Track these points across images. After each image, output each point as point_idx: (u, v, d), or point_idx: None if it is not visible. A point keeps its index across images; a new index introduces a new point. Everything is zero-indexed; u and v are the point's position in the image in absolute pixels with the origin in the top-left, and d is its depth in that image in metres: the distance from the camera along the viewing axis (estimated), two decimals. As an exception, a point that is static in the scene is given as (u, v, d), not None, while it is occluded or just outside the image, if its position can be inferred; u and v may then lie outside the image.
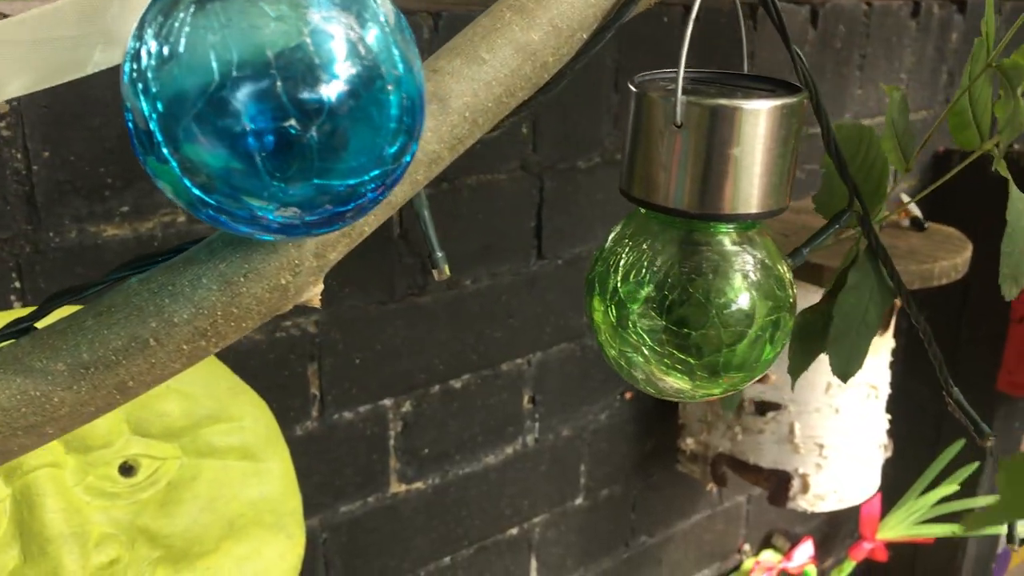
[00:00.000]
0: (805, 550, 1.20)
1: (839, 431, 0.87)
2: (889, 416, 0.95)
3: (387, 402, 0.78)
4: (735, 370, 0.36)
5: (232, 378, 0.63)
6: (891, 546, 1.38)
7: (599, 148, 0.85)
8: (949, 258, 0.82)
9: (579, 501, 0.98)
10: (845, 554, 1.31)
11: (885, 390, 0.91)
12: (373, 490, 0.80)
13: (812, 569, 1.27)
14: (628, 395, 0.97)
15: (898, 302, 0.91)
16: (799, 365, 0.46)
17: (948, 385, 0.47)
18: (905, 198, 0.90)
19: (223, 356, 0.63)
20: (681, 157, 0.32)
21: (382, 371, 0.77)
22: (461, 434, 0.84)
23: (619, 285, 0.35)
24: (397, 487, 0.82)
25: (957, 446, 1.26)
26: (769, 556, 1.20)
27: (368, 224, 0.30)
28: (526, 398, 0.89)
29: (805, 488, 0.89)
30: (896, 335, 1.21)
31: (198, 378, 0.62)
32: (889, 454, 0.94)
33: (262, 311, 0.29)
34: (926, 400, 1.30)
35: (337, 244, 0.29)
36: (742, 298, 0.34)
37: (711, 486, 0.96)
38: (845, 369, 0.44)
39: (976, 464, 1.24)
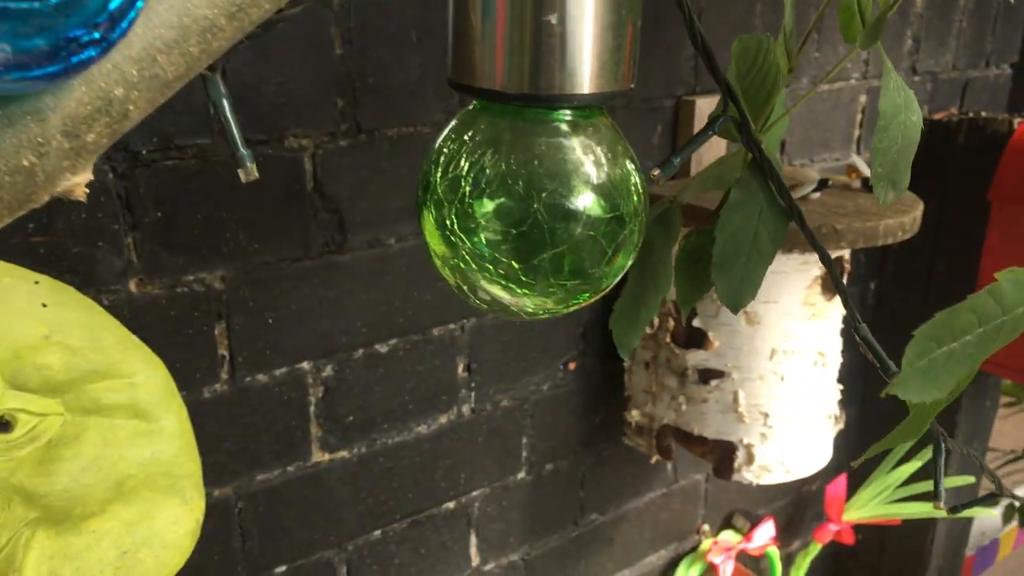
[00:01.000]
0: (766, 531, 1.16)
1: (785, 399, 0.84)
2: (841, 387, 0.92)
3: (305, 365, 0.75)
4: (569, 277, 0.32)
5: (121, 332, 0.60)
6: (859, 529, 1.35)
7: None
8: (896, 216, 0.78)
9: (522, 475, 0.94)
10: (811, 537, 1.27)
11: (835, 358, 0.87)
12: (293, 458, 0.77)
13: (774, 551, 1.23)
14: (571, 365, 0.93)
15: (847, 266, 0.87)
16: (687, 295, 0.43)
17: (856, 321, 0.44)
18: (857, 159, 0.87)
19: (115, 311, 0.59)
20: (495, 29, 0.28)
21: (298, 333, 0.73)
22: (389, 402, 0.81)
23: (439, 181, 0.32)
24: (319, 456, 0.78)
25: (927, 424, 1.22)
26: (728, 536, 1.16)
27: (133, 103, 0.26)
28: (461, 366, 0.85)
29: (750, 459, 0.85)
30: (871, 312, 1.16)
31: (82, 331, 0.58)
32: (841, 426, 0.91)
33: (4, 198, 0.26)
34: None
35: (93, 123, 0.26)
36: (571, 193, 0.31)
37: (655, 458, 0.92)
38: (734, 299, 0.41)
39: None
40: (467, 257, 0.32)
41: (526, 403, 0.92)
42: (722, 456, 0.86)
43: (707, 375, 0.85)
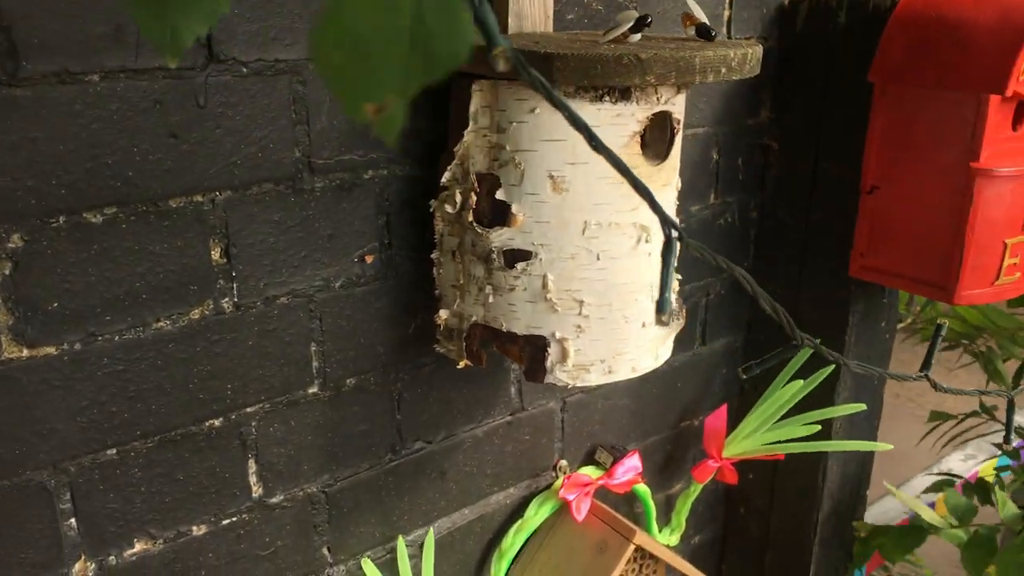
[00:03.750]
0: (630, 464, 1.03)
1: (602, 284, 0.70)
2: (679, 277, 0.78)
3: (-24, 230, 0.59)
4: None
5: None
6: (750, 469, 1.22)
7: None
8: (718, 49, 0.64)
9: (314, 391, 0.80)
10: (691, 476, 1.15)
11: (655, 236, 0.73)
12: (-28, 351, 0.61)
13: (645, 489, 1.10)
14: (368, 258, 0.79)
15: (678, 126, 0.74)
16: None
17: (730, 268, 0.31)
18: (692, 4, 0.73)
19: None
20: None
21: (-39, 186, 0.58)
22: (112, 288, 0.66)
23: None
24: (14, 350, 0.63)
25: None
26: (587, 472, 1.03)
27: None
28: (216, 250, 0.70)
29: (564, 356, 0.71)
30: (756, 225, 1.03)
31: None
32: (682, 323, 0.78)
33: None
34: (781, 294, 1.14)
35: None
36: None
37: (464, 363, 0.78)
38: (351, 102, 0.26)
39: (831, 367, 1.08)
40: None
41: (312, 302, 0.77)
42: (533, 354, 0.72)
43: (513, 257, 0.71)
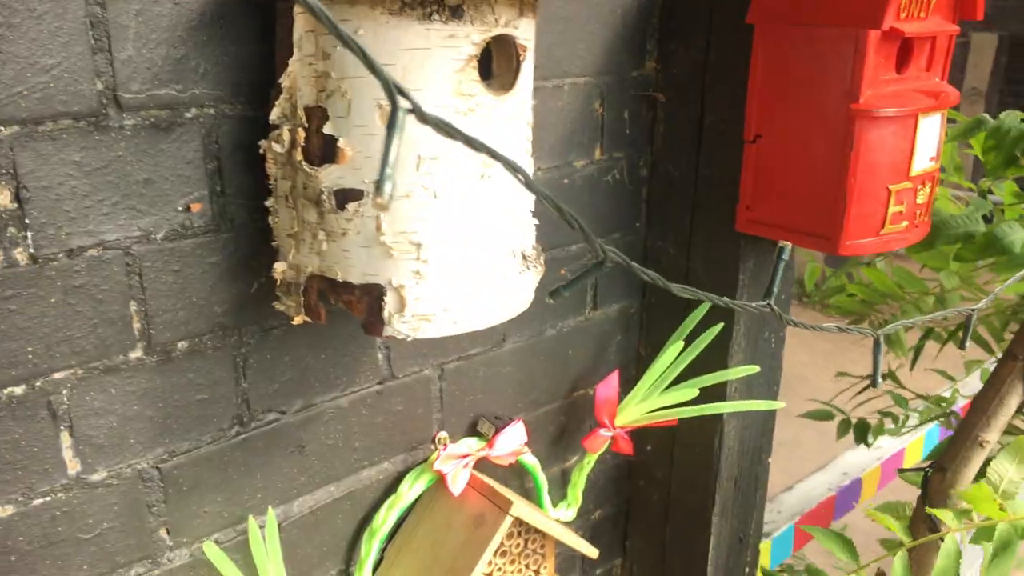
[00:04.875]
0: (514, 434, 0.97)
1: (441, 225, 0.64)
2: (537, 222, 0.73)
3: None
4: None
5: None
6: (649, 439, 1.18)
7: None
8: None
9: (138, 355, 0.72)
10: (582, 447, 1.09)
11: (502, 175, 0.67)
12: None
13: (532, 461, 1.04)
14: (195, 206, 0.71)
15: (523, 53, 0.68)
16: None
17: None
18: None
19: None
20: None
21: None
22: None
23: None
24: None
25: (706, 306, 1.05)
26: (467, 443, 0.97)
27: None
28: (5, 193, 0.62)
29: (402, 305, 0.65)
30: (646, 182, 0.96)
31: None
32: (541, 270, 0.72)
33: None
34: (673, 253, 1.10)
35: None
36: None
37: (300, 319, 0.71)
38: None
39: (720, 325, 1.04)
40: None
41: (129, 255, 0.69)
42: (370, 305, 0.66)
43: (344, 197, 0.64)
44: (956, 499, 1.03)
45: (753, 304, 0.52)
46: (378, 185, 0.29)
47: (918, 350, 1.67)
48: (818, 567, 1.28)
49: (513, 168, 0.35)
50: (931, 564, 1.01)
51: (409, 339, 0.66)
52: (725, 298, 0.50)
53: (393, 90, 0.32)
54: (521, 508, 0.90)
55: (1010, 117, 1.27)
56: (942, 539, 0.89)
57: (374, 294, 0.65)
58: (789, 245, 0.48)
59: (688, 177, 1.05)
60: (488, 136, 0.65)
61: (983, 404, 1.02)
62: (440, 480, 0.94)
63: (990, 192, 1.40)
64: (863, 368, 1.57)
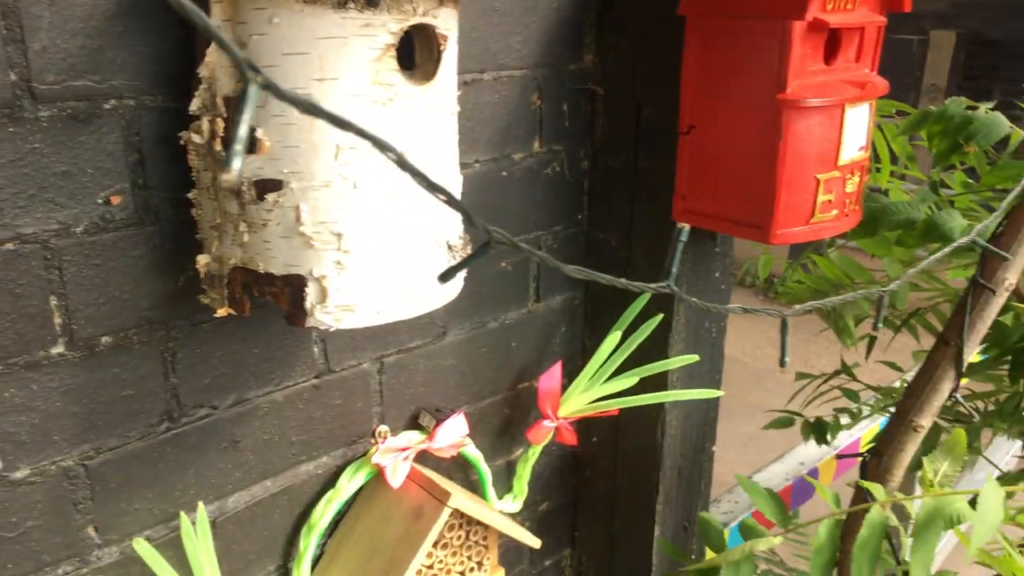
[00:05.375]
0: (455, 426, 0.97)
1: (362, 214, 0.64)
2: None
3: None
4: None
5: None
6: (592, 429, 1.18)
7: None
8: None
9: (60, 350, 0.71)
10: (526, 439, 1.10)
11: (435, 161, 0.68)
12: None
13: (475, 453, 1.05)
14: (115, 199, 0.71)
15: (444, 43, 0.68)
16: None
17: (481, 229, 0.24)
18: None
19: None
20: None
21: None
22: None
23: None
24: None
25: (645, 297, 1.06)
26: (407, 436, 0.97)
27: None
28: (-88, 186, 0.61)
29: (323, 295, 0.65)
30: (587, 175, 0.96)
31: None
32: (464, 255, 0.72)
33: None
34: (615, 245, 1.10)
35: None
36: None
37: (224, 311, 0.71)
38: None
39: (659, 317, 1.05)
40: None
41: (47, 249, 0.68)
42: (292, 296, 0.66)
43: (263, 188, 0.64)
44: (893, 483, 1.05)
45: (653, 284, 0.53)
46: (225, 159, 0.29)
47: (871, 340, 1.69)
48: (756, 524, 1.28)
49: (383, 147, 0.35)
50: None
51: (332, 329, 0.66)
52: (623, 279, 0.51)
53: (244, 66, 0.32)
54: (460, 500, 0.90)
55: (955, 104, 1.28)
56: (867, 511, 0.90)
57: (296, 285, 0.65)
58: (687, 227, 0.49)
59: (628, 169, 1.06)
60: (408, 126, 0.65)
61: (917, 390, 1.04)
62: (380, 474, 0.93)
63: (943, 184, 1.42)
64: (828, 362, 1.59)
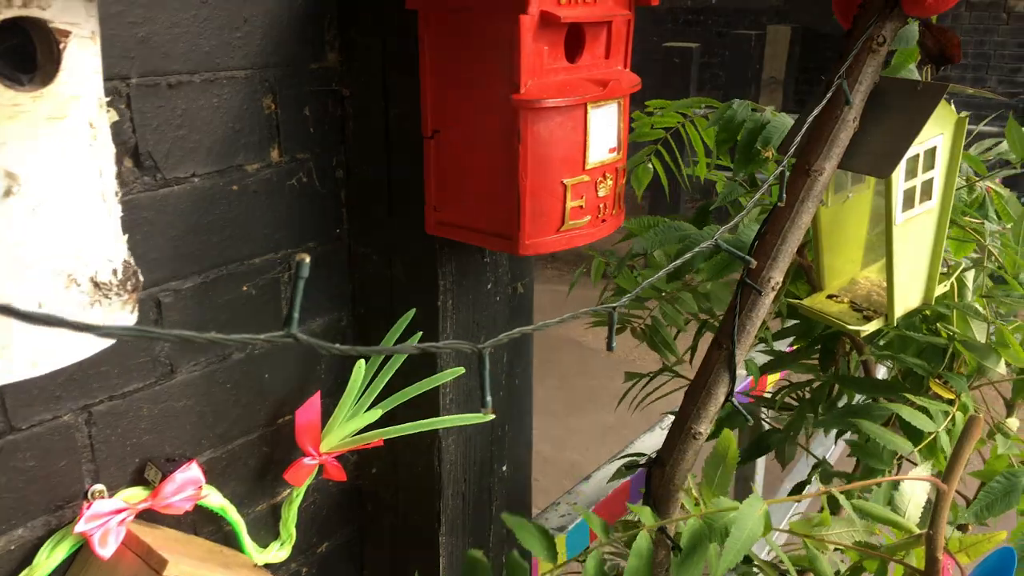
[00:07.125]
0: (185, 478, 0.85)
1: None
2: (125, 238, 0.61)
3: None
4: None
5: None
6: (370, 460, 1.09)
7: None
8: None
9: None
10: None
11: (61, 182, 0.56)
12: None
13: (218, 503, 0.93)
14: None
15: (65, 40, 0.56)
16: None
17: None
18: None
19: None
20: None
21: None
22: None
23: None
24: None
25: (410, 315, 0.98)
26: (127, 496, 0.84)
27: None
28: None
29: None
30: (342, 185, 0.85)
31: None
32: (130, 296, 0.61)
33: None
34: (376, 260, 1.01)
35: None
36: None
37: None
38: None
39: (419, 334, 0.96)
40: None
41: None
42: None
43: None
44: (676, 493, 1.02)
45: (276, 334, 0.44)
46: None
47: (694, 348, 1.66)
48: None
49: None
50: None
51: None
52: (239, 335, 0.42)
53: None
54: (181, 567, 0.78)
55: (742, 107, 1.26)
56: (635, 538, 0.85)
57: None
58: (307, 259, 0.40)
59: (382, 178, 0.97)
60: (12, 136, 0.53)
61: (694, 395, 1.00)
62: (87, 544, 0.80)
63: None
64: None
